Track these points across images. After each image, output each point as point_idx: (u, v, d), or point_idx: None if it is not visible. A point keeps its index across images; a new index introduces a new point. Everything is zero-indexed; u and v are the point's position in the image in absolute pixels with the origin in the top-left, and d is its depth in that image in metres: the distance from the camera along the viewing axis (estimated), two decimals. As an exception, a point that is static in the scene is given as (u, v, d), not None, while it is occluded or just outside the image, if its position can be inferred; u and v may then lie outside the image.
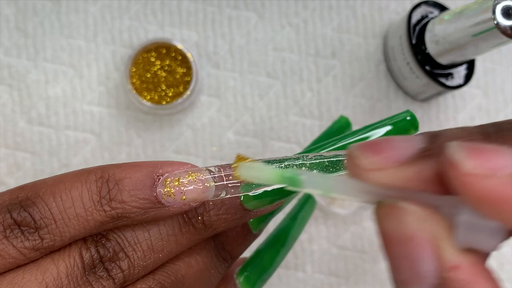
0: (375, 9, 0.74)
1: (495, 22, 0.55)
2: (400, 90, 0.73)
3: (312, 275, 0.69)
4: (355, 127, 0.71)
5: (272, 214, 0.38)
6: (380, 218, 0.25)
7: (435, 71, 0.66)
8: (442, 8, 0.68)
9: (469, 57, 0.64)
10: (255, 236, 0.39)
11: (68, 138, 0.69)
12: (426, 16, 0.67)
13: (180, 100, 0.67)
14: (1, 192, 0.30)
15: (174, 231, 0.32)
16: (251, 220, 0.36)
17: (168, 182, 0.30)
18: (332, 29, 0.73)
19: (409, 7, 0.68)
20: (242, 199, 0.32)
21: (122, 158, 0.69)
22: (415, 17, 0.67)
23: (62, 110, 0.69)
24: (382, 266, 0.70)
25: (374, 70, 0.73)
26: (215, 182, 0.31)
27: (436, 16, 0.66)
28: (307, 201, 0.51)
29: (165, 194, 0.30)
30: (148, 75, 0.68)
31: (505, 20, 0.55)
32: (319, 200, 0.69)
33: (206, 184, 0.30)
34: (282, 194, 0.32)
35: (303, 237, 0.70)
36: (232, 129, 0.71)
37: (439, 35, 0.63)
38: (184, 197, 0.30)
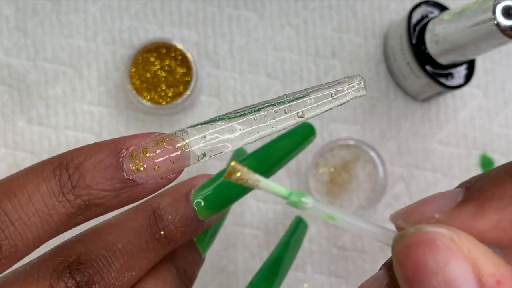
0: (375, 9, 0.74)
1: (495, 22, 0.55)
2: (400, 90, 0.73)
3: (312, 275, 0.69)
4: (355, 126, 0.72)
5: (214, 236, 0.39)
6: (401, 247, 0.23)
7: (435, 71, 0.66)
8: (442, 8, 0.68)
9: (469, 57, 0.64)
10: (203, 260, 0.38)
11: (68, 138, 0.69)
12: (426, 16, 0.67)
13: (180, 100, 0.67)
14: None
15: (142, 247, 0.29)
16: (199, 242, 0.36)
17: (134, 155, 0.27)
18: (332, 29, 0.73)
19: (409, 7, 0.68)
20: (196, 209, 0.31)
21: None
22: (415, 17, 0.67)
23: (62, 110, 0.69)
24: (382, 266, 0.70)
25: (374, 70, 0.73)
26: (189, 146, 0.28)
27: (436, 16, 0.66)
28: (299, 225, 0.50)
29: (135, 170, 0.27)
30: (148, 75, 0.68)
31: (505, 20, 0.55)
32: (319, 200, 0.69)
33: (179, 149, 0.28)
34: (234, 195, 0.32)
35: (303, 237, 0.70)
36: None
37: (439, 35, 0.63)
38: (156, 167, 0.27)
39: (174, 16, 0.72)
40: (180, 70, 0.68)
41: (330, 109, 0.29)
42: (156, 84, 0.68)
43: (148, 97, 0.67)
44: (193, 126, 0.28)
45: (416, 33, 0.67)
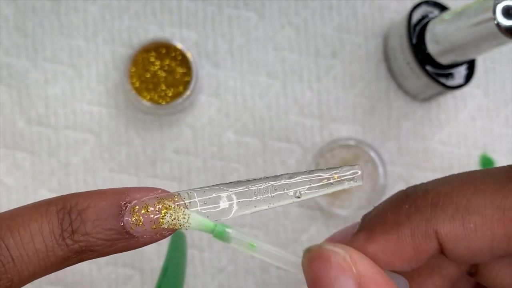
0: (376, 9, 0.74)
1: (496, 22, 0.55)
2: (400, 90, 0.73)
3: (312, 276, 0.69)
4: (354, 127, 0.72)
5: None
6: (307, 263, 0.28)
7: (436, 71, 0.66)
8: (443, 8, 0.68)
9: (469, 57, 0.64)
10: None
11: (67, 138, 0.69)
12: (427, 16, 0.67)
13: (180, 100, 0.67)
14: None
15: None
16: None
17: (136, 209, 0.28)
18: (333, 29, 0.73)
19: (409, 7, 0.68)
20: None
21: (121, 158, 0.69)
22: (416, 17, 0.67)
23: (62, 110, 0.69)
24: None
25: (374, 70, 0.73)
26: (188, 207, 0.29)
27: (436, 16, 0.66)
28: (175, 248, 0.51)
29: (133, 224, 0.28)
30: (148, 75, 0.68)
31: (506, 20, 0.55)
32: (319, 201, 0.69)
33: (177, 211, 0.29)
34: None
35: (303, 237, 0.70)
36: (232, 129, 0.71)
37: (440, 35, 0.63)
38: (154, 226, 0.28)
39: (174, 16, 0.72)
40: (180, 70, 0.68)
41: (326, 193, 0.31)
42: (156, 84, 0.68)
43: (148, 97, 0.67)
44: (195, 190, 0.30)
45: (416, 33, 0.66)
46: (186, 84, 0.68)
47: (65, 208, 0.28)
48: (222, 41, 0.72)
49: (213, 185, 0.30)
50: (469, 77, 0.67)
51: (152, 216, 0.28)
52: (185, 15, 0.72)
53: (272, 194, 0.30)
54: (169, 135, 0.70)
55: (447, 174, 0.71)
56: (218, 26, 0.72)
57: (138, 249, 0.65)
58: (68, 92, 0.70)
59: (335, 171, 0.31)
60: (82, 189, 0.68)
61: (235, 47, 0.72)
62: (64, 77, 0.70)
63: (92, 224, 0.27)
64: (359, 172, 0.31)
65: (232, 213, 0.30)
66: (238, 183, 0.30)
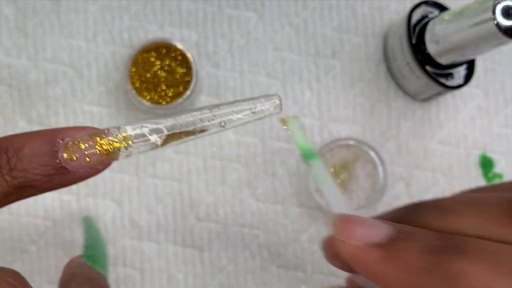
0: (375, 9, 0.74)
1: (495, 22, 0.55)
2: (400, 90, 0.73)
3: (312, 275, 0.69)
4: (354, 127, 0.72)
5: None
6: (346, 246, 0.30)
7: (435, 71, 0.66)
8: (442, 8, 0.68)
9: (469, 57, 0.64)
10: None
11: (68, 138, 0.69)
12: (426, 16, 0.67)
13: (180, 100, 0.67)
14: None
15: None
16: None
17: (69, 145, 0.30)
18: (332, 29, 0.73)
19: (409, 7, 0.68)
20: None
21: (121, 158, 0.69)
22: (415, 17, 0.67)
23: (62, 110, 0.69)
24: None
25: (374, 70, 0.73)
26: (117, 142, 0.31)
27: (436, 16, 0.66)
28: (88, 222, 0.65)
29: (67, 159, 0.30)
30: (148, 75, 0.68)
31: (505, 20, 0.55)
32: (319, 201, 0.69)
33: (108, 147, 0.31)
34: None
35: (303, 237, 0.70)
36: (232, 128, 0.71)
37: (439, 35, 0.63)
38: (87, 159, 0.30)
39: (174, 16, 0.72)
40: (180, 70, 0.68)
41: (249, 122, 0.33)
42: (156, 84, 0.68)
43: (148, 97, 0.67)
44: (126, 125, 0.31)
45: (416, 33, 0.67)
46: (187, 84, 0.68)
47: (1, 147, 0.29)
48: (222, 41, 0.72)
49: (141, 120, 0.31)
50: (468, 77, 0.67)
51: (84, 150, 0.30)
52: (185, 15, 0.72)
53: (199, 125, 0.31)
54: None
55: (447, 174, 0.72)
56: (218, 26, 0.72)
57: (138, 249, 0.65)
58: (69, 92, 0.70)
59: (256, 100, 0.32)
60: (83, 189, 0.69)
61: (235, 47, 0.72)
62: (65, 77, 0.70)
63: (28, 161, 0.29)
64: (278, 102, 0.33)
65: (161, 143, 0.31)
66: (166, 115, 0.31)
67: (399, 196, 0.71)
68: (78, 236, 0.68)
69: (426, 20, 0.67)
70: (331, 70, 0.73)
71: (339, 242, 0.30)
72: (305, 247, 0.70)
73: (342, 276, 0.69)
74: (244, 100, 0.33)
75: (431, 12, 0.67)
